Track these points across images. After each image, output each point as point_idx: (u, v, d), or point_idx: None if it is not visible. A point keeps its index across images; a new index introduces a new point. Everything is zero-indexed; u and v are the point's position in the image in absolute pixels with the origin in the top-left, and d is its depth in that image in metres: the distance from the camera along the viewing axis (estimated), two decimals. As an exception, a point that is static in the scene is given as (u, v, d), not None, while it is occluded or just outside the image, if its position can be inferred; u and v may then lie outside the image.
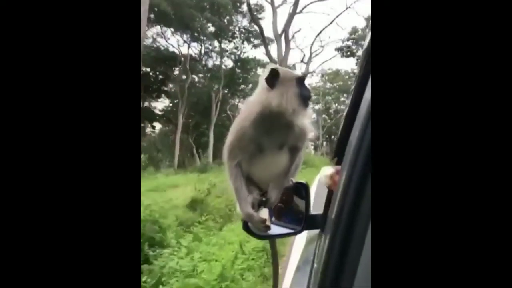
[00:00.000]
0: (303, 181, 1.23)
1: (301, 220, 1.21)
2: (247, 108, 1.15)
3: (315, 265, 1.16)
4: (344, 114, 1.24)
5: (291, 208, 1.20)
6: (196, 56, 23.88)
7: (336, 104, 38.13)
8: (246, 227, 1.10)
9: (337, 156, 1.67)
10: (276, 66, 1.10)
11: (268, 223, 1.06)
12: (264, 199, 1.13)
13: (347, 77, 35.15)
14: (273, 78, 1.04)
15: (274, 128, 1.08)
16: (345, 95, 36.16)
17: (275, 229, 1.14)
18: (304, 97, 1.06)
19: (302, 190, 1.22)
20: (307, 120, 1.12)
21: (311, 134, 1.14)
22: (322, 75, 36.75)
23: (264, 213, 1.09)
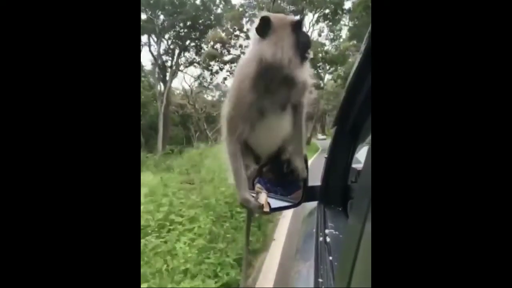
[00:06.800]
0: None
1: (299, 192, 1.17)
2: (241, 70, 1.02)
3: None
4: (348, 82, 1.16)
5: (289, 180, 1.16)
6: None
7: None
8: None
9: (338, 124, 1.59)
10: (268, 13, 0.99)
11: (266, 209, 1.02)
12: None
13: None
14: (265, 27, 0.94)
15: (274, 85, 0.96)
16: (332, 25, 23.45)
17: (273, 203, 1.09)
18: (302, 45, 0.94)
19: None
20: (307, 72, 1.00)
21: (311, 85, 1.02)
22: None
23: (262, 197, 1.04)
